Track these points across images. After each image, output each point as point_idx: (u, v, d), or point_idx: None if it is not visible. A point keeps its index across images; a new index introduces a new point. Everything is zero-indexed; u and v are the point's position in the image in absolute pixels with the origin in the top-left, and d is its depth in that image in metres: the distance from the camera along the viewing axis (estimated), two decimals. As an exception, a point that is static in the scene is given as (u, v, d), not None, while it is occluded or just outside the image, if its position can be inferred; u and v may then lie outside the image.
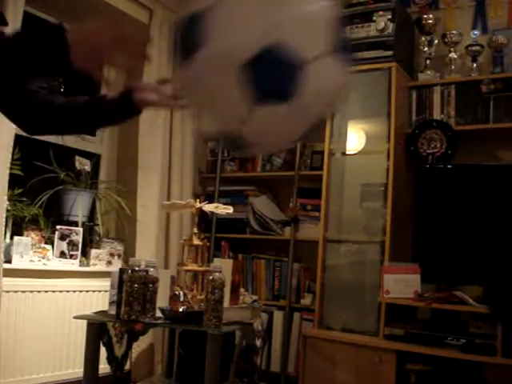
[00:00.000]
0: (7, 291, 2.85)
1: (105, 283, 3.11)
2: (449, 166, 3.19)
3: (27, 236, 3.06)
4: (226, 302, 2.47)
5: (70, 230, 3.24)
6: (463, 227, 3.07)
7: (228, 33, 0.96)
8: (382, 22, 3.29)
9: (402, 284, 2.97)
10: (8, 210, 2.95)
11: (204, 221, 3.79)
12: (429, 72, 3.38)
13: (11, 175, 2.87)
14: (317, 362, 3.11)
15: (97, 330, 2.44)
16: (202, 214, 3.13)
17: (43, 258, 3.11)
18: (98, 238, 3.53)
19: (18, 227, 3.08)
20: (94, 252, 3.37)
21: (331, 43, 1.00)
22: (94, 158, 3.61)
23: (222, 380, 2.40)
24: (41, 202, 3.22)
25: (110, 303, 2.47)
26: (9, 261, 2.92)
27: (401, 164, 3.27)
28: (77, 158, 3.41)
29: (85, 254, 3.38)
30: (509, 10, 3.36)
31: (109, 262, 3.41)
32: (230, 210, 2.83)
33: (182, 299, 2.51)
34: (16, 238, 2.98)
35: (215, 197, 3.86)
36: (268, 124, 1.01)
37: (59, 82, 3.17)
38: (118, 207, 3.61)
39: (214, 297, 2.27)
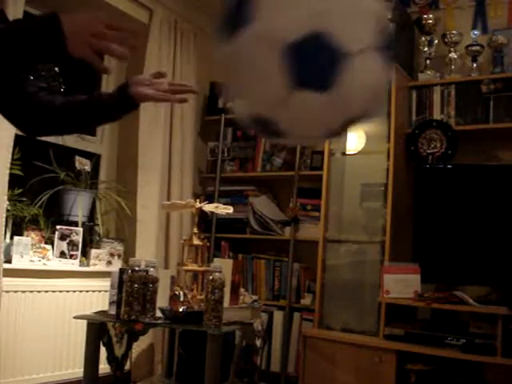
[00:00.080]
0: (7, 291, 2.85)
1: (105, 283, 3.11)
2: (449, 166, 3.19)
3: (27, 236, 3.06)
4: (226, 302, 2.47)
5: (70, 229, 3.24)
6: (463, 227, 3.07)
7: (277, 13, 0.95)
8: (382, 22, 3.28)
9: (401, 284, 2.97)
10: (8, 210, 2.95)
11: (204, 221, 3.79)
12: (429, 72, 3.38)
13: (11, 175, 2.87)
14: (317, 361, 3.10)
15: (97, 330, 2.44)
16: (202, 214, 3.13)
17: (43, 257, 3.11)
18: (97, 238, 3.53)
19: (17, 227, 3.08)
20: (93, 252, 3.37)
21: (377, 39, 0.99)
22: (94, 158, 3.61)
23: (222, 380, 2.40)
24: (41, 202, 3.22)
25: (110, 303, 2.47)
26: (9, 261, 2.92)
27: (401, 164, 3.27)
28: (77, 157, 3.41)
29: (85, 253, 3.38)
30: (509, 10, 3.36)
31: (109, 262, 3.41)
32: (230, 210, 2.83)
33: (182, 299, 2.51)
34: (16, 237, 2.98)
35: (215, 197, 3.86)
36: (304, 112, 0.99)
37: (59, 81, 3.16)
38: (118, 207, 3.61)
39: (214, 297, 2.27)
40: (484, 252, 3.00)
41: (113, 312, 2.44)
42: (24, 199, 3.15)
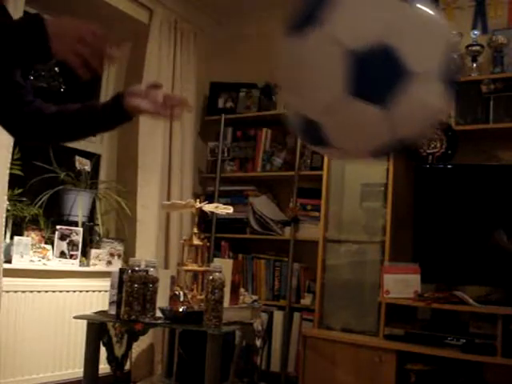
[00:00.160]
0: (7, 291, 2.85)
1: (105, 283, 3.11)
2: (449, 166, 3.19)
3: (27, 236, 3.06)
4: (226, 302, 2.47)
5: (70, 229, 3.24)
6: (463, 227, 3.07)
7: (350, 20, 0.95)
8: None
9: (401, 284, 2.97)
10: (8, 210, 2.95)
11: (204, 221, 3.79)
12: (429, 72, 3.37)
13: (11, 175, 2.87)
14: (317, 362, 3.10)
15: (97, 330, 2.44)
16: (202, 213, 3.13)
17: (43, 258, 3.11)
18: (98, 238, 3.53)
19: (18, 227, 3.08)
20: (94, 252, 3.37)
21: (442, 65, 0.97)
22: (94, 158, 3.61)
23: (222, 380, 2.40)
24: (41, 202, 3.22)
25: (110, 303, 2.47)
26: (9, 261, 2.92)
27: (401, 164, 3.27)
28: (77, 157, 3.41)
29: (85, 254, 3.38)
30: (509, 10, 3.36)
31: (109, 262, 3.41)
32: (230, 210, 2.83)
33: (182, 299, 2.51)
34: (16, 238, 2.98)
35: (215, 197, 3.86)
36: (354, 122, 0.98)
37: (59, 81, 3.17)
38: (118, 207, 3.61)
39: (214, 297, 2.27)
40: (484, 252, 3.00)
41: (113, 312, 2.44)
42: (24, 199, 3.15)
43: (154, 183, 3.63)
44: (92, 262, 3.34)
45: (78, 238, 3.25)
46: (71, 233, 3.23)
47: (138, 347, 3.46)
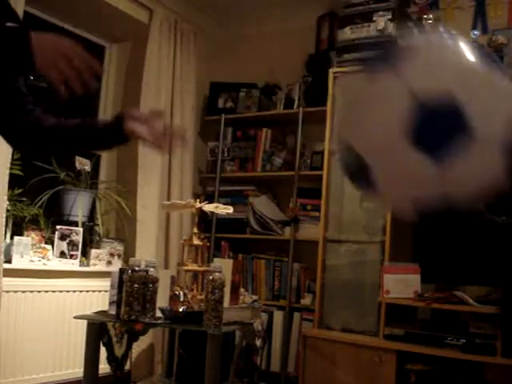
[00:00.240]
0: (7, 291, 2.85)
1: (105, 283, 3.11)
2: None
3: (27, 236, 3.06)
4: (226, 302, 2.47)
5: (70, 229, 3.24)
6: (463, 227, 3.07)
7: (423, 68, 0.94)
8: (382, 22, 3.29)
9: (401, 284, 2.97)
10: (8, 210, 2.95)
11: (204, 221, 3.79)
12: (429, 72, 3.37)
13: (11, 175, 2.87)
14: (317, 362, 3.11)
15: (97, 330, 2.44)
16: (202, 214, 3.13)
17: (43, 258, 3.11)
18: (97, 238, 3.53)
19: (18, 227, 3.08)
20: (93, 252, 3.37)
21: (505, 134, 0.94)
22: (94, 158, 3.61)
23: (222, 380, 2.40)
24: (41, 202, 3.22)
25: (110, 303, 2.47)
26: (9, 261, 2.92)
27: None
28: (77, 157, 3.41)
29: (85, 254, 3.38)
30: (509, 10, 3.36)
31: (109, 262, 3.41)
32: (230, 210, 2.83)
33: (182, 299, 2.51)
34: (16, 237, 2.98)
35: (215, 197, 3.86)
36: (403, 171, 0.94)
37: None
38: (118, 207, 3.61)
39: (214, 297, 2.27)
40: (484, 252, 3.00)
41: (113, 312, 2.43)
42: (24, 199, 3.15)
43: (154, 183, 3.63)
44: (92, 261, 3.34)
45: (78, 237, 3.25)
46: (71, 233, 3.23)
47: (138, 347, 3.46)
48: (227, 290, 2.47)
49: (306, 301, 3.57)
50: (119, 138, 1.40)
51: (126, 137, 1.39)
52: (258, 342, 2.69)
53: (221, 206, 2.87)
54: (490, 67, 0.97)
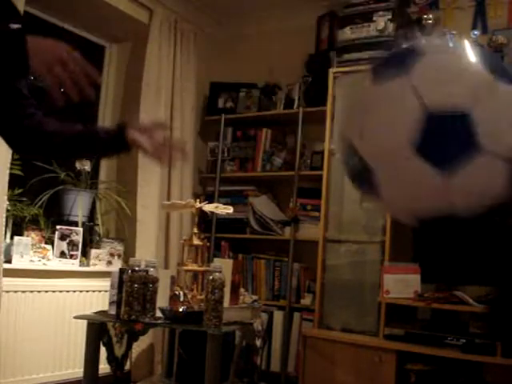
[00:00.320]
0: (7, 291, 2.85)
1: (105, 283, 3.11)
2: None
3: (27, 236, 3.06)
4: (226, 302, 2.47)
5: (70, 229, 3.24)
6: (463, 227, 3.06)
7: (434, 76, 0.93)
8: (382, 22, 3.29)
9: (401, 284, 2.97)
10: (8, 210, 2.95)
11: (204, 221, 3.78)
12: (429, 72, 3.37)
13: (11, 175, 2.87)
14: (317, 362, 3.11)
15: (97, 330, 2.44)
16: (202, 214, 3.12)
17: (43, 258, 3.11)
18: (98, 238, 3.53)
19: (18, 227, 3.08)
20: (93, 252, 3.37)
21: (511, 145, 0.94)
22: (94, 158, 3.60)
23: (222, 380, 2.40)
24: (41, 202, 3.22)
25: (110, 303, 2.47)
26: (9, 261, 2.92)
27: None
28: (77, 157, 3.41)
29: (85, 253, 3.38)
30: (509, 10, 3.36)
31: (109, 262, 3.41)
32: (230, 210, 2.83)
33: (182, 299, 2.51)
34: (16, 237, 2.98)
35: (215, 197, 3.86)
36: (406, 178, 0.94)
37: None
38: (118, 207, 3.61)
39: (214, 297, 2.27)
40: (484, 252, 3.00)
41: (113, 312, 2.43)
42: (24, 199, 3.15)
43: (154, 183, 3.63)
44: (92, 261, 3.34)
45: (78, 238, 3.25)
46: (71, 233, 3.23)
47: (138, 347, 3.46)
48: (227, 289, 2.47)
49: (306, 301, 3.57)
50: (121, 147, 1.42)
51: (127, 146, 1.41)
52: (258, 342, 2.69)
53: (221, 206, 2.87)
54: (500, 77, 0.96)
